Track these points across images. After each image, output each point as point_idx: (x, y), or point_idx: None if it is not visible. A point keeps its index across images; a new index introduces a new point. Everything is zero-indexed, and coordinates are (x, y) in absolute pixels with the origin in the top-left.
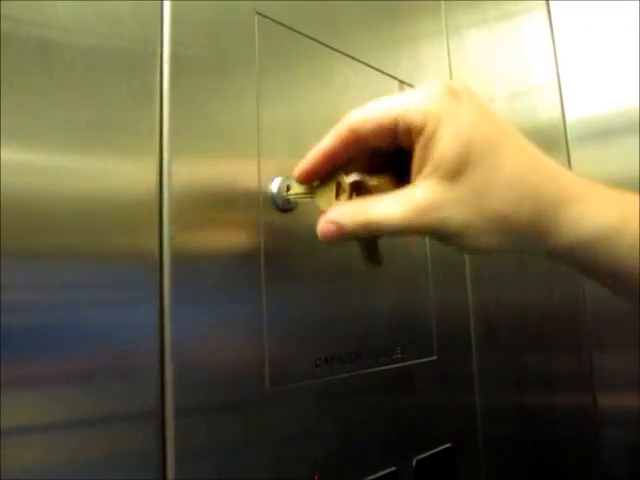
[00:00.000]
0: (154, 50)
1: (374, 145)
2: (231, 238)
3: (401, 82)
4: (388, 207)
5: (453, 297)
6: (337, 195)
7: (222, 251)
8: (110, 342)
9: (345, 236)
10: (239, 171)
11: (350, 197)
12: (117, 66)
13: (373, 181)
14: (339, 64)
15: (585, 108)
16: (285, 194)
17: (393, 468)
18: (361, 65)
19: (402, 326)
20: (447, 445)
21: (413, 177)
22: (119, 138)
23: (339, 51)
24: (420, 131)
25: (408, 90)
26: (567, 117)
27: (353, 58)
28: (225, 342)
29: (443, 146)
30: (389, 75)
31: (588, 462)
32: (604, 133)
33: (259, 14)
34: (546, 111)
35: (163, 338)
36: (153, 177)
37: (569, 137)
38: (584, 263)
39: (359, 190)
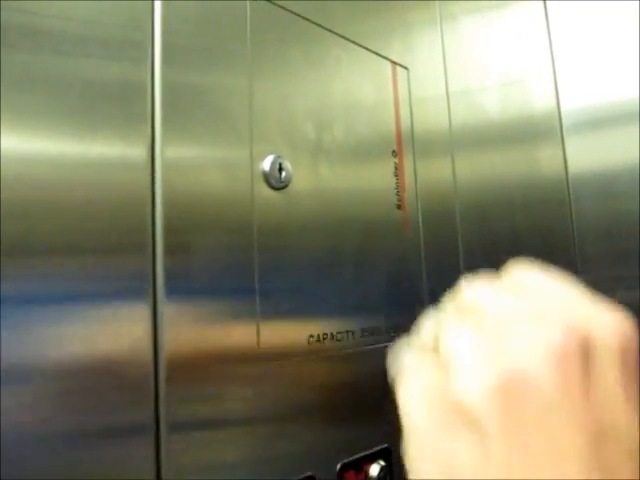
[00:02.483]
0: (145, 32)
1: None
2: (224, 216)
3: (394, 63)
4: None
5: (447, 278)
6: None
7: (215, 229)
8: (101, 328)
9: None
10: (231, 151)
11: None
12: (107, 52)
13: None
14: (332, 45)
15: (580, 97)
16: (277, 167)
17: (386, 445)
18: (354, 46)
19: (395, 306)
20: None
21: None
22: (110, 123)
23: (332, 31)
24: None
25: (400, 72)
26: (562, 106)
27: (346, 39)
28: (217, 319)
29: None
30: (382, 56)
31: None
32: (600, 122)
33: None
34: (540, 100)
35: (156, 317)
36: (145, 161)
37: (564, 126)
38: None
39: None
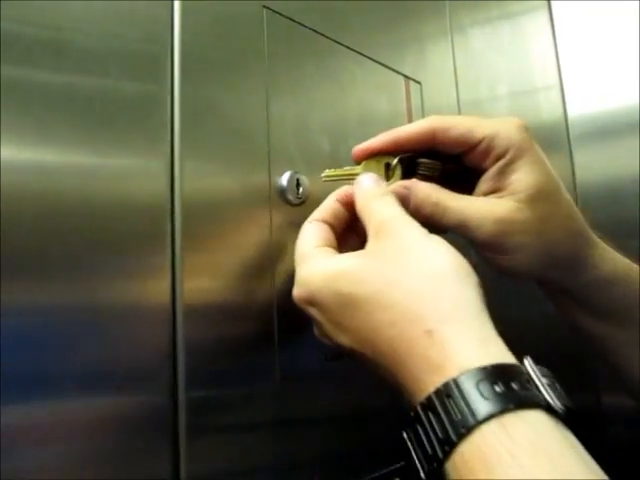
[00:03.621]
0: (164, 47)
1: (438, 150)
2: (242, 232)
3: (407, 78)
4: (462, 202)
5: None
6: (387, 177)
7: (233, 245)
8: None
9: (411, 205)
10: (250, 166)
11: (403, 177)
12: (128, 66)
13: (422, 160)
14: (346, 59)
15: (587, 107)
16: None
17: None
18: (368, 61)
19: None
20: None
21: (485, 189)
22: (130, 137)
23: (346, 46)
24: (501, 156)
25: (413, 86)
26: (569, 116)
27: (360, 54)
28: (237, 336)
29: (521, 176)
30: (395, 71)
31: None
32: (607, 132)
33: (267, 8)
34: (548, 110)
35: (175, 340)
36: (164, 175)
37: (571, 136)
38: (599, 299)
39: (405, 172)
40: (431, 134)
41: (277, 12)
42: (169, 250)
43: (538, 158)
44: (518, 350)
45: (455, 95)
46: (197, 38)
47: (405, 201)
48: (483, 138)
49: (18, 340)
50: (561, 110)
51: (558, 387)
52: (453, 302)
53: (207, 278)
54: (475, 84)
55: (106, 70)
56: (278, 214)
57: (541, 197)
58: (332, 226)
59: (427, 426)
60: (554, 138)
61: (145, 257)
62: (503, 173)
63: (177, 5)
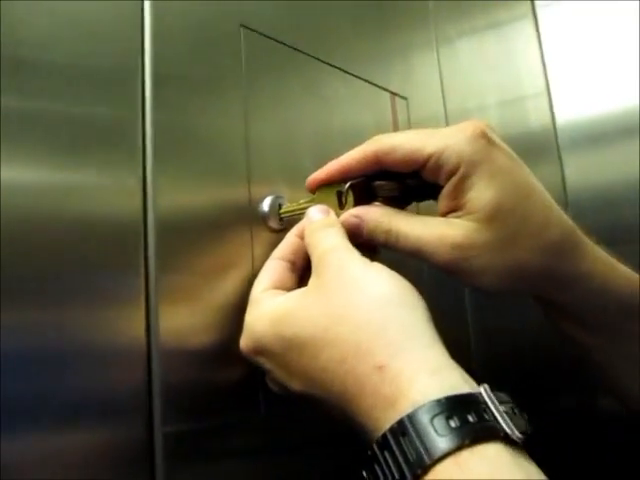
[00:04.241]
0: (135, 66)
1: (391, 170)
2: (221, 260)
3: (393, 94)
4: (417, 227)
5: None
6: (341, 205)
7: (212, 274)
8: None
9: (362, 234)
10: (228, 189)
11: (356, 204)
12: (96, 83)
13: (376, 183)
14: (329, 77)
15: (575, 113)
16: (278, 212)
17: None
18: (352, 77)
19: None
20: None
21: (442, 209)
22: (101, 156)
23: (329, 63)
24: (452, 173)
25: (399, 102)
26: (557, 122)
27: (343, 70)
28: (218, 370)
29: (476, 193)
30: (380, 87)
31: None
32: (596, 137)
33: (244, 27)
34: (536, 118)
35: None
36: (136, 197)
37: (560, 143)
38: (586, 312)
39: (361, 197)
40: (374, 158)
41: (255, 31)
42: (143, 278)
43: (496, 169)
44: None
45: (442, 108)
46: (170, 55)
47: (358, 230)
48: (431, 155)
49: None
50: (549, 117)
51: (517, 412)
52: (402, 332)
53: (184, 310)
54: (463, 96)
55: (75, 90)
56: (260, 241)
57: (502, 214)
58: (292, 262)
59: (384, 465)
60: (543, 145)
61: (119, 284)
62: (458, 191)
63: (148, 22)
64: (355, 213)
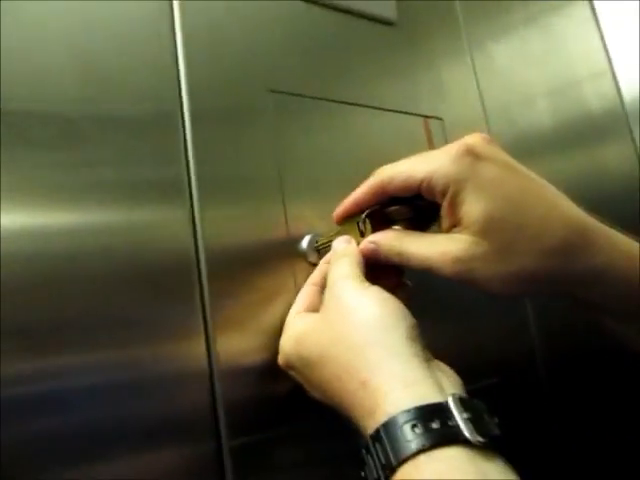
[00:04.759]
0: (176, 128)
1: (399, 196)
2: (268, 290)
3: (426, 117)
4: (422, 246)
5: None
6: (362, 234)
7: (261, 301)
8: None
9: (380, 257)
10: (270, 231)
11: (374, 230)
12: (141, 130)
13: (389, 209)
14: (357, 115)
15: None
16: (315, 245)
17: None
18: (381, 111)
19: None
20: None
21: (444, 226)
22: (152, 195)
23: (356, 104)
24: (444, 193)
25: (434, 123)
26: (625, 100)
27: (371, 107)
28: (272, 384)
29: (468, 209)
30: (411, 113)
31: None
32: None
33: (272, 91)
34: (597, 98)
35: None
36: (187, 232)
37: (630, 120)
38: (610, 304)
39: (381, 223)
40: (380, 188)
41: (282, 92)
42: (200, 309)
43: (483, 183)
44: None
45: (482, 113)
46: (203, 118)
47: (375, 254)
48: (422, 180)
49: (64, 404)
50: (614, 97)
51: (486, 418)
52: (382, 352)
53: (238, 335)
54: (504, 95)
55: (124, 138)
56: (301, 273)
57: (495, 225)
58: (323, 286)
59: (368, 467)
60: (609, 126)
61: (180, 316)
62: (452, 208)
63: (185, 91)
64: (371, 239)
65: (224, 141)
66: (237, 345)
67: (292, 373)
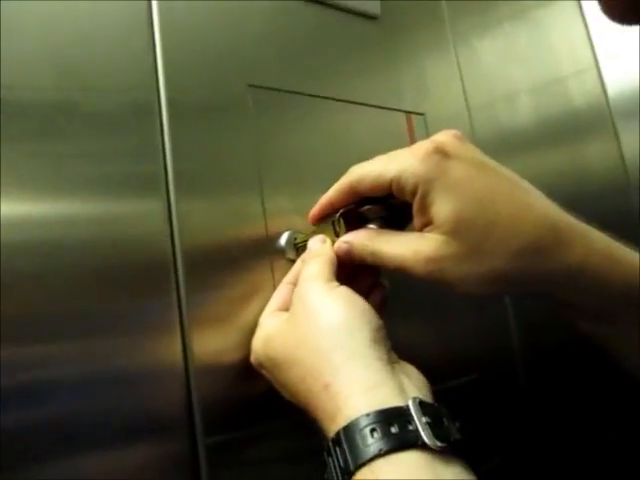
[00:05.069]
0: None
1: (371, 195)
2: (246, 286)
3: (408, 113)
4: (395, 246)
5: None
6: (336, 233)
7: (238, 298)
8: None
9: (354, 257)
10: (248, 226)
11: (348, 230)
12: (119, 122)
13: (363, 209)
14: (338, 110)
15: (627, 84)
16: (293, 243)
17: None
18: (362, 107)
19: None
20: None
21: (416, 225)
22: (125, 189)
23: (336, 99)
24: (414, 193)
25: (416, 119)
26: (610, 96)
27: (352, 102)
28: (248, 382)
29: (438, 208)
30: (393, 109)
31: None
32: None
33: (251, 86)
34: (582, 95)
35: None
36: (163, 225)
37: (614, 116)
38: (584, 303)
39: (356, 222)
40: (350, 188)
41: (261, 87)
42: (176, 306)
43: (452, 182)
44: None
45: (466, 111)
46: (183, 112)
47: (349, 254)
48: (392, 180)
49: (37, 397)
50: (599, 92)
51: (446, 422)
52: (345, 355)
53: (215, 332)
54: (487, 91)
55: (103, 129)
56: (280, 270)
57: (464, 224)
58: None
59: (328, 471)
60: (593, 122)
61: (155, 313)
62: (423, 208)
63: (162, 80)
64: (344, 239)
65: (202, 135)
66: (213, 342)
67: (263, 372)
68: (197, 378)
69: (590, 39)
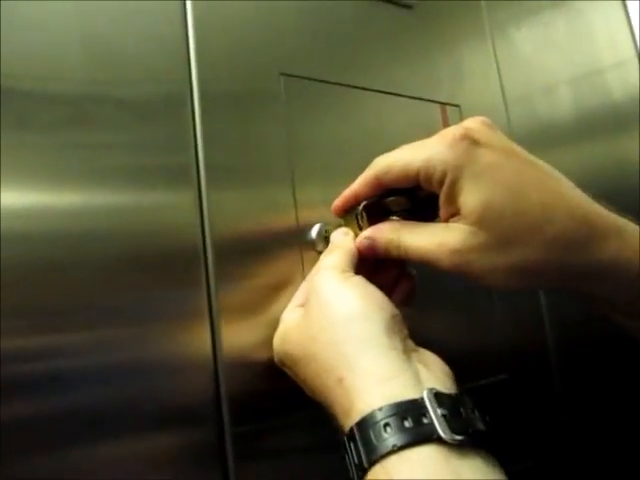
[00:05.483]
0: (186, 109)
1: (396, 187)
2: (276, 278)
3: (443, 104)
4: (419, 238)
5: None
6: (359, 226)
7: (268, 290)
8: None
9: (377, 252)
10: (279, 218)
11: (372, 222)
12: (153, 115)
13: (387, 200)
14: (371, 101)
15: None
16: (324, 235)
17: None
18: (396, 97)
19: None
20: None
21: (443, 215)
22: (156, 179)
23: (370, 89)
24: (442, 182)
25: (451, 111)
26: None
27: (386, 92)
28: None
29: (466, 197)
30: (427, 100)
31: None
32: None
33: (284, 74)
34: (622, 87)
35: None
36: (194, 216)
37: None
38: (619, 299)
39: (379, 214)
40: (375, 179)
41: (294, 76)
42: (205, 297)
43: (481, 170)
44: None
45: (504, 110)
46: (214, 107)
47: (372, 250)
48: (419, 169)
49: (67, 386)
50: (637, 85)
51: (465, 413)
52: (358, 347)
53: (244, 323)
54: (524, 82)
55: (136, 120)
56: (310, 262)
57: (493, 214)
58: None
59: (347, 465)
60: (633, 116)
61: (185, 302)
62: (450, 197)
63: (194, 72)
64: (366, 235)
65: (234, 125)
66: (242, 332)
67: (285, 370)
68: (225, 367)
69: (631, 29)
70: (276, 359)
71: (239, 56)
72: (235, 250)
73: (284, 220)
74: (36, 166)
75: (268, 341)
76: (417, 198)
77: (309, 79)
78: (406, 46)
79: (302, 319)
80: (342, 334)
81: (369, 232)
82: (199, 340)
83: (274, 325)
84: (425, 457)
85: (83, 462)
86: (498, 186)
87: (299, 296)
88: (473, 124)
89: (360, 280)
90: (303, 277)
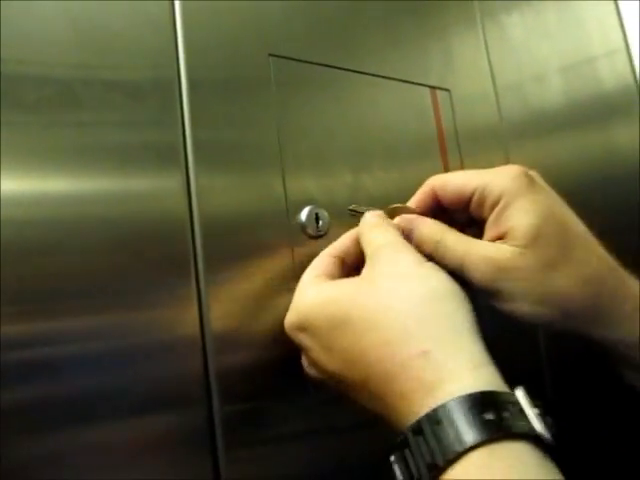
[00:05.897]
0: (173, 90)
1: (446, 206)
2: (264, 259)
3: (433, 88)
4: (463, 243)
5: None
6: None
7: (256, 270)
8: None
9: (415, 241)
10: (267, 201)
11: None
12: (138, 97)
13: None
14: (362, 84)
15: None
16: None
17: None
18: (386, 80)
19: None
20: None
21: (488, 237)
22: (143, 161)
23: (360, 72)
24: (496, 203)
25: (441, 95)
26: None
27: (376, 75)
28: (265, 355)
29: (519, 221)
30: (418, 83)
31: None
32: None
33: (273, 55)
34: (612, 76)
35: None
36: (182, 199)
37: None
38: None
39: None
40: (433, 193)
41: (283, 57)
42: (193, 277)
43: (535, 200)
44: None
45: (492, 91)
46: (202, 88)
47: (408, 236)
48: (475, 189)
49: (55, 370)
50: (630, 74)
51: (549, 419)
52: (448, 325)
53: (232, 304)
54: (515, 70)
55: (123, 102)
56: (299, 245)
57: (543, 240)
58: (341, 260)
59: (415, 450)
60: (623, 105)
61: (173, 284)
62: (500, 219)
63: (182, 52)
64: (409, 218)
65: (222, 107)
66: (230, 313)
67: (302, 336)
68: (213, 348)
69: (621, 19)
70: (295, 323)
71: (228, 35)
72: (223, 232)
73: (274, 203)
74: (23, 147)
75: (257, 321)
76: (455, 222)
77: (298, 61)
78: (397, 29)
79: (366, 287)
80: (428, 309)
81: (412, 217)
82: (187, 322)
83: (263, 305)
84: (525, 453)
85: (71, 446)
86: (549, 216)
87: (320, 267)
88: (531, 171)
89: (437, 266)
90: (292, 258)
